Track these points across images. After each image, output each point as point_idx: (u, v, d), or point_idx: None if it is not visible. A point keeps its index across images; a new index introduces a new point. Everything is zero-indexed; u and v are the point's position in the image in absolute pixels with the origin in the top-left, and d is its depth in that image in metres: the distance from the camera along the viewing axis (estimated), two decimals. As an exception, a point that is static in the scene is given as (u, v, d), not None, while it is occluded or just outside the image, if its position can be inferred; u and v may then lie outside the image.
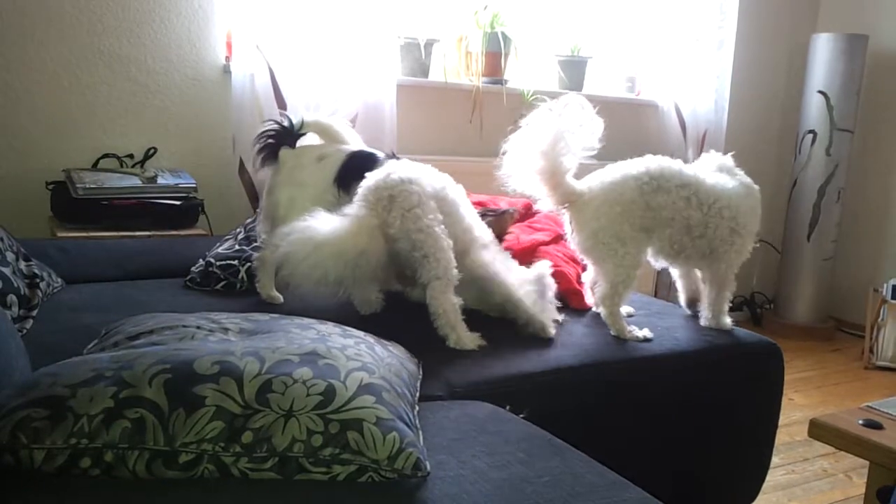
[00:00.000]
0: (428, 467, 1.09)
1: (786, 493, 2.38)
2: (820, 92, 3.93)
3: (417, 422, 1.21)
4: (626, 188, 1.91)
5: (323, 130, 2.09)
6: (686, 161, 2.12)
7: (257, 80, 2.78)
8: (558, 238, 2.31)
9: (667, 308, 2.22)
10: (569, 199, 1.94)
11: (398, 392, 1.19)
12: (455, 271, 1.75)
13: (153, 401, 1.05)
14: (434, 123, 3.32)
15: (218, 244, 2.28)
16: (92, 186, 2.42)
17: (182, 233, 2.53)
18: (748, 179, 2.06)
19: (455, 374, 1.59)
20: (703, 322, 2.07)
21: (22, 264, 1.96)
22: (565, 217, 2.01)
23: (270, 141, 2.01)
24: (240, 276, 2.12)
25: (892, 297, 3.63)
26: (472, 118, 3.35)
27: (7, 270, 1.82)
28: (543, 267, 1.96)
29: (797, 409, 3.08)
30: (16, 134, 2.60)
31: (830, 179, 3.98)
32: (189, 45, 2.81)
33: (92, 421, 1.02)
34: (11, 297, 1.76)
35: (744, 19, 3.87)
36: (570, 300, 2.10)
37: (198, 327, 1.31)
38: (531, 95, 3.32)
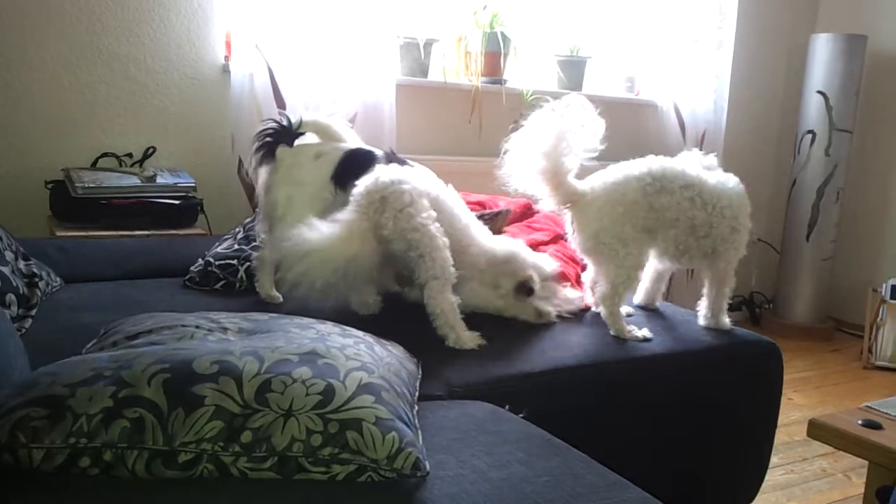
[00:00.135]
0: (427, 467, 1.09)
1: (785, 492, 2.38)
2: (819, 92, 3.94)
3: (417, 421, 1.21)
4: (628, 189, 1.91)
5: (321, 130, 2.08)
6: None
7: (256, 79, 2.78)
8: (557, 238, 2.31)
9: (666, 308, 2.22)
10: (570, 199, 1.94)
11: (397, 392, 1.19)
12: (452, 269, 1.75)
13: (152, 400, 1.04)
14: (433, 123, 3.32)
15: (217, 244, 2.28)
16: (91, 186, 2.42)
17: (181, 232, 2.53)
18: (735, 178, 2.06)
19: (454, 373, 1.59)
20: (701, 321, 2.07)
21: (21, 263, 1.96)
22: (566, 217, 2.00)
23: (268, 140, 2.01)
24: (239, 276, 2.11)
25: (891, 297, 3.63)
26: (471, 118, 3.35)
27: (6, 269, 1.81)
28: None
29: (796, 408, 3.08)
30: (15, 133, 2.60)
31: (829, 180, 3.98)
32: (188, 45, 2.81)
33: (91, 420, 1.02)
34: (10, 297, 1.76)
35: (743, 19, 3.87)
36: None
37: (197, 327, 1.31)
38: (530, 95, 3.32)
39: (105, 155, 2.70)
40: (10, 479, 1.00)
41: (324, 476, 1.05)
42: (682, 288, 3.72)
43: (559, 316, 1.98)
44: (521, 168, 1.91)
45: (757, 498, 2.08)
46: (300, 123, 2.03)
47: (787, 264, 4.15)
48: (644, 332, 1.91)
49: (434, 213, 1.76)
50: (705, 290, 2.07)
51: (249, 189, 2.83)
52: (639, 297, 2.18)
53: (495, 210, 2.12)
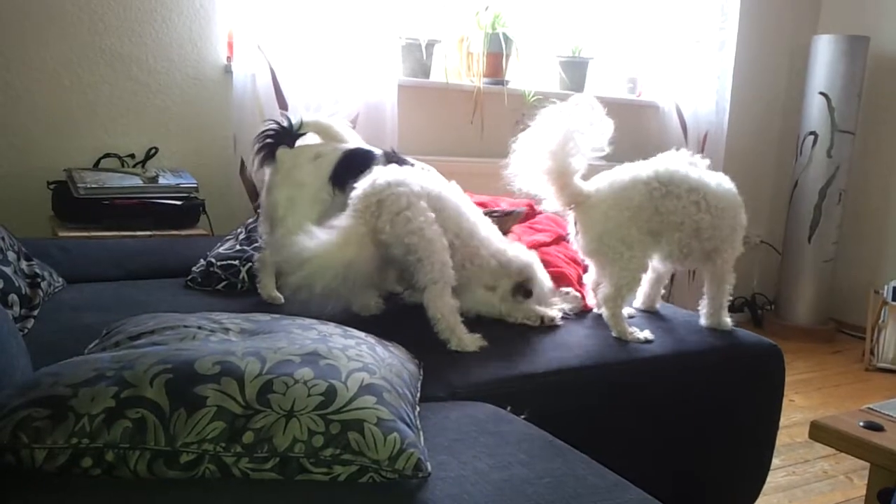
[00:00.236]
0: (429, 468, 1.09)
1: (786, 494, 2.38)
2: (821, 93, 3.93)
3: (418, 422, 1.21)
4: (635, 192, 1.90)
5: (322, 130, 2.09)
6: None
7: (258, 79, 2.79)
8: (559, 239, 2.31)
9: (668, 310, 2.22)
10: (575, 200, 1.94)
11: (399, 393, 1.19)
12: (452, 272, 1.74)
13: (154, 401, 1.05)
14: (435, 124, 3.32)
15: (219, 244, 2.28)
16: (93, 186, 2.42)
17: (183, 233, 2.53)
18: (725, 176, 2.07)
19: (456, 374, 1.59)
20: (703, 321, 2.07)
21: (23, 264, 1.96)
22: (570, 218, 2.00)
23: (269, 141, 2.02)
24: (241, 277, 2.12)
25: (893, 299, 3.63)
26: (473, 119, 3.35)
27: (8, 270, 1.82)
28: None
29: (798, 410, 3.08)
30: (17, 133, 2.60)
31: (831, 181, 3.97)
32: (190, 45, 2.81)
33: (93, 421, 1.02)
34: (13, 297, 1.76)
35: (745, 20, 3.87)
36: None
37: (199, 327, 1.31)
38: (532, 96, 3.32)
39: (107, 155, 2.71)
40: (13, 479, 1.00)
41: (325, 477, 1.05)
42: (684, 289, 3.72)
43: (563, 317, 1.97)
44: (528, 167, 1.90)
45: (758, 500, 2.08)
46: (301, 124, 2.04)
47: (789, 266, 4.15)
48: (646, 334, 1.91)
49: (432, 216, 1.74)
50: (706, 289, 2.08)
51: (251, 189, 2.83)
52: (639, 300, 2.18)
53: (507, 209, 2.10)
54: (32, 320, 1.75)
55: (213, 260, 2.16)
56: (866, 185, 4.22)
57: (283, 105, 2.80)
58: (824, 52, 3.91)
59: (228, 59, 2.87)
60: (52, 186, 2.52)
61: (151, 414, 1.03)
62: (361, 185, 1.77)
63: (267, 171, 2.03)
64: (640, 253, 1.92)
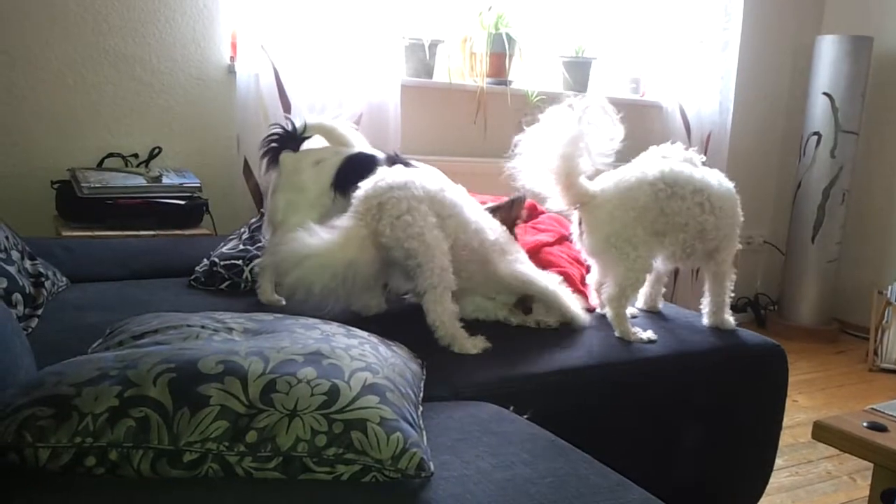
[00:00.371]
0: (432, 467, 1.09)
1: (790, 494, 2.38)
2: (825, 94, 3.93)
3: (421, 422, 1.21)
4: (641, 193, 1.90)
5: (327, 132, 2.08)
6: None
7: (262, 80, 2.79)
8: (562, 239, 2.30)
9: (670, 310, 2.21)
10: (581, 200, 1.94)
11: (402, 392, 1.19)
12: (452, 277, 1.73)
13: (158, 400, 1.05)
14: (438, 124, 3.32)
15: (222, 244, 2.29)
16: (97, 186, 2.43)
17: (186, 232, 2.53)
18: (721, 173, 2.07)
19: (459, 374, 1.59)
20: (705, 321, 2.07)
21: (27, 263, 1.96)
22: (574, 218, 2.00)
23: (273, 145, 2.01)
24: (244, 276, 2.12)
25: (897, 300, 3.63)
26: (476, 119, 3.35)
27: (12, 269, 1.82)
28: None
29: (801, 410, 3.08)
30: (21, 133, 2.61)
31: (835, 181, 3.97)
32: (194, 45, 2.81)
33: (97, 420, 1.02)
34: (17, 296, 1.76)
35: (748, 21, 3.86)
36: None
37: (202, 327, 1.31)
38: (535, 96, 3.32)
39: (111, 155, 2.71)
40: (16, 477, 1.00)
41: (328, 476, 1.05)
42: (687, 289, 3.71)
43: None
44: (534, 166, 1.90)
45: (761, 500, 2.08)
46: (305, 127, 2.03)
47: (793, 266, 4.14)
48: (649, 334, 1.91)
49: (433, 220, 1.73)
50: (707, 287, 2.08)
51: (254, 189, 2.83)
52: (640, 300, 2.18)
53: (506, 200, 2.06)
54: (36, 319, 1.75)
55: (216, 259, 2.17)
56: (870, 185, 4.21)
57: (286, 105, 2.80)
58: (828, 53, 3.91)
59: (232, 59, 2.87)
60: (55, 186, 2.53)
61: (155, 413, 1.04)
62: (364, 187, 1.76)
63: (272, 174, 2.04)
64: (646, 253, 1.92)
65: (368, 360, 1.22)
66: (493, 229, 1.91)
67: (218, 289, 2.12)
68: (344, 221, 1.73)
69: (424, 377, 1.45)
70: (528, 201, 2.33)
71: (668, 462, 1.86)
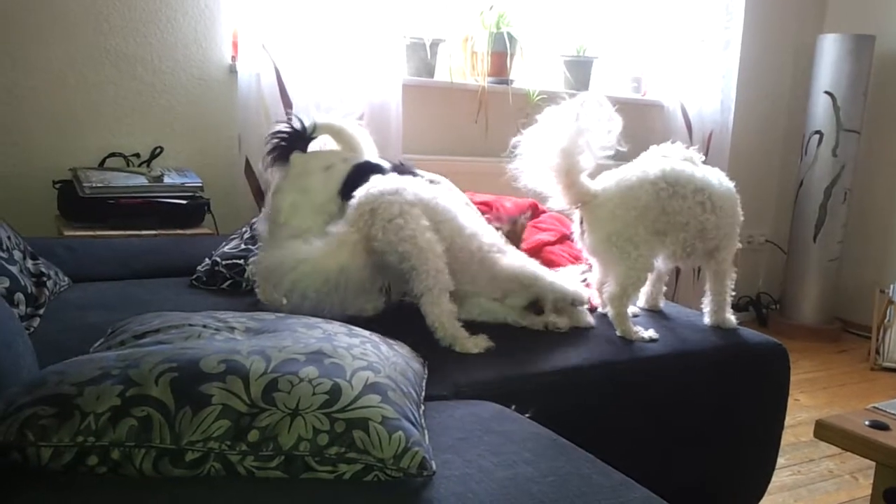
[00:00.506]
0: (433, 466, 1.09)
1: (791, 493, 2.38)
2: (826, 92, 3.92)
3: (423, 421, 1.21)
4: (642, 192, 1.90)
5: (336, 133, 2.07)
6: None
7: (263, 79, 2.79)
8: (563, 238, 2.30)
9: (672, 309, 2.21)
10: (582, 198, 1.93)
11: (404, 391, 1.20)
12: (448, 278, 1.73)
13: (160, 399, 1.05)
14: (439, 123, 3.32)
15: (224, 243, 2.29)
16: (98, 185, 2.43)
17: (188, 232, 2.54)
18: (721, 171, 2.07)
19: (460, 373, 1.59)
20: (707, 320, 2.06)
21: (29, 263, 1.97)
22: (575, 217, 2.00)
23: (282, 143, 2.00)
24: (246, 276, 2.12)
25: (899, 299, 3.62)
26: (477, 118, 3.35)
27: (14, 269, 1.82)
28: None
29: (803, 409, 3.07)
30: (22, 133, 2.61)
31: (837, 180, 3.96)
32: (195, 45, 2.82)
33: (99, 419, 1.02)
34: (19, 296, 1.76)
35: (750, 19, 3.86)
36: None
37: (204, 326, 1.31)
38: (537, 95, 3.32)
39: (112, 155, 2.71)
40: (19, 476, 1.00)
41: (330, 475, 1.05)
42: (689, 288, 3.71)
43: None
44: (535, 164, 1.90)
45: (763, 499, 2.08)
46: (314, 127, 2.02)
47: (794, 265, 4.14)
48: (650, 333, 1.91)
49: (426, 224, 1.73)
50: (708, 286, 2.07)
51: (256, 189, 2.83)
52: (641, 299, 2.18)
53: (511, 216, 2.04)
54: (38, 319, 1.76)
55: (218, 259, 2.17)
56: (872, 184, 4.21)
57: (287, 105, 2.80)
58: (830, 51, 3.90)
59: (233, 59, 2.87)
60: (57, 186, 2.53)
61: (157, 412, 1.04)
62: (357, 195, 1.78)
63: (276, 172, 2.02)
64: (647, 252, 1.92)
65: (370, 359, 1.22)
66: (492, 233, 1.91)
67: (219, 288, 2.12)
68: (337, 227, 1.75)
69: (426, 376, 1.45)
70: (527, 208, 2.34)
71: (669, 461, 1.86)
